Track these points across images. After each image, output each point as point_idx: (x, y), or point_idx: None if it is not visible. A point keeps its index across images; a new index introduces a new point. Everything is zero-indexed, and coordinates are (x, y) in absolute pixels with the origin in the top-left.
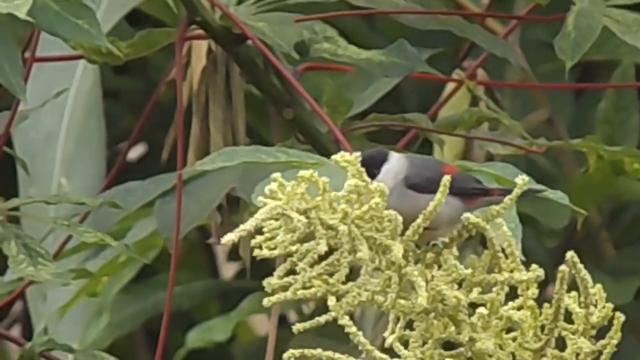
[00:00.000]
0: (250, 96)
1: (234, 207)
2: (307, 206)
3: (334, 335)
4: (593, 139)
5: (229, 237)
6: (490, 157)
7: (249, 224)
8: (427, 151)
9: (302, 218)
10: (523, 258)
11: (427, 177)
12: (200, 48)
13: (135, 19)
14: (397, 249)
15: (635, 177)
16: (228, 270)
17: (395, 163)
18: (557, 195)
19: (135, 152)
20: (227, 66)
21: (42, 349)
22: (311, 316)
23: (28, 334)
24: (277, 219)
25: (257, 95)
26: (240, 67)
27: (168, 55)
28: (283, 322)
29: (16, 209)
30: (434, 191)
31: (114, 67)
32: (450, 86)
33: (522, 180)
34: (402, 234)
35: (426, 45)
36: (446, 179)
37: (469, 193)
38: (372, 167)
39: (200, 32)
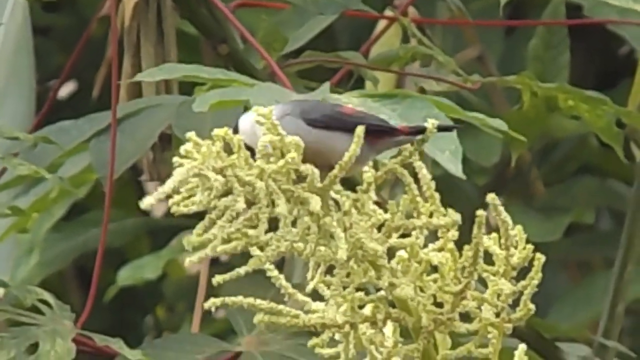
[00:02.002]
0: (181, 34)
1: (167, 144)
2: (223, 164)
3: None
4: (527, 75)
5: (148, 201)
6: (423, 94)
7: (167, 187)
8: (359, 89)
9: (219, 177)
10: (464, 177)
11: (323, 113)
12: None
13: None
14: (315, 202)
15: (569, 114)
16: (159, 208)
17: (273, 106)
18: (495, 123)
19: (65, 90)
20: (159, 2)
21: None
22: (242, 256)
23: None
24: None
25: (189, 33)
26: (174, 1)
27: None
28: (213, 260)
29: None
30: (331, 126)
31: (44, 4)
32: (381, 24)
33: (431, 124)
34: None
35: None
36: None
37: (373, 130)
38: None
39: None
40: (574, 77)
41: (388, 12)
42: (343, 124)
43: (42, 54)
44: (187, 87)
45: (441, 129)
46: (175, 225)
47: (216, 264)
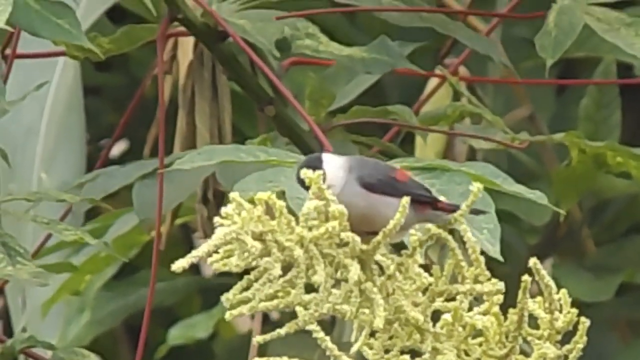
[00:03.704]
0: (234, 94)
1: (220, 201)
2: (263, 229)
3: None
4: (575, 133)
5: (180, 264)
6: (472, 152)
7: (202, 250)
8: (408, 146)
9: (257, 244)
10: (501, 259)
11: (379, 178)
12: (187, 43)
13: (117, 15)
14: (354, 271)
15: (618, 170)
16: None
17: (338, 160)
18: (536, 195)
19: (117, 149)
20: (214, 61)
21: (23, 346)
22: (292, 314)
23: (9, 330)
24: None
25: (242, 92)
26: (222, 64)
27: (150, 51)
28: (265, 319)
29: None
30: (385, 192)
31: (96, 64)
32: (432, 83)
33: (476, 188)
34: (352, 230)
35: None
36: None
37: (420, 200)
38: (314, 167)
39: (183, 28)
40: (625, 136)
41: (439, 71)
42: (395, 190)
43: (94, 113)
44: (240, 135)
45: (477, 212)
46: (226, 284)
47: (268, 323)
